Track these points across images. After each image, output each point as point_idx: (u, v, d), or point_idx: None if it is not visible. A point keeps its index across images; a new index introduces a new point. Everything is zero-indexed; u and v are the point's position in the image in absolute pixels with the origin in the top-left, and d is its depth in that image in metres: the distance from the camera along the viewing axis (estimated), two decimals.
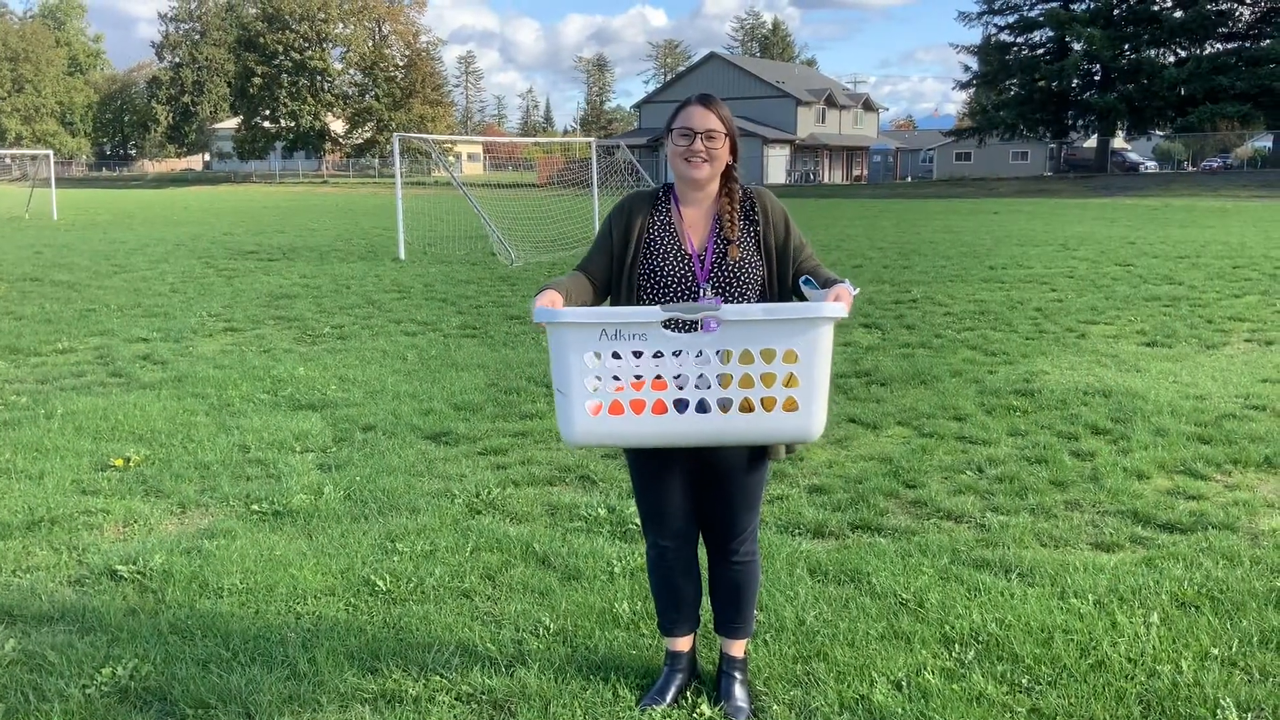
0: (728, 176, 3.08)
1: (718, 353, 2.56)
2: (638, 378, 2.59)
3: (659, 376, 2.61)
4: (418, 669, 3.40)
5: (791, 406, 2.56)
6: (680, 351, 2.60)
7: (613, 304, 3.10)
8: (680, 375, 2.64)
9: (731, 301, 2.96)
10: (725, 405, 2.62)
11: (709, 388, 2.60)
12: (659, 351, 2.58)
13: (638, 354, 2.58)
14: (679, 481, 3.11)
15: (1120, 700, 3.19)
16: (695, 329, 2.73)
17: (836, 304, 2.56)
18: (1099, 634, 3.60)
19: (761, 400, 2.58)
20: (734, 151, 3.05)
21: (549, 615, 3.78)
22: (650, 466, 3.10)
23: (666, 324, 2.68)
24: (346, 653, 3.50)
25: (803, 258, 3.08)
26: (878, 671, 3.36)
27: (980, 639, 3.57)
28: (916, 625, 3.69)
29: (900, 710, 3.13)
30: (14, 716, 3.12)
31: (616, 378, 2.60)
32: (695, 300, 2.98)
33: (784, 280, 3.07)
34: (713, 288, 3.01)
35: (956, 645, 3.53)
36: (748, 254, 3.04)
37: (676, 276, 3.01)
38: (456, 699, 3.23)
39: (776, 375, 2.54)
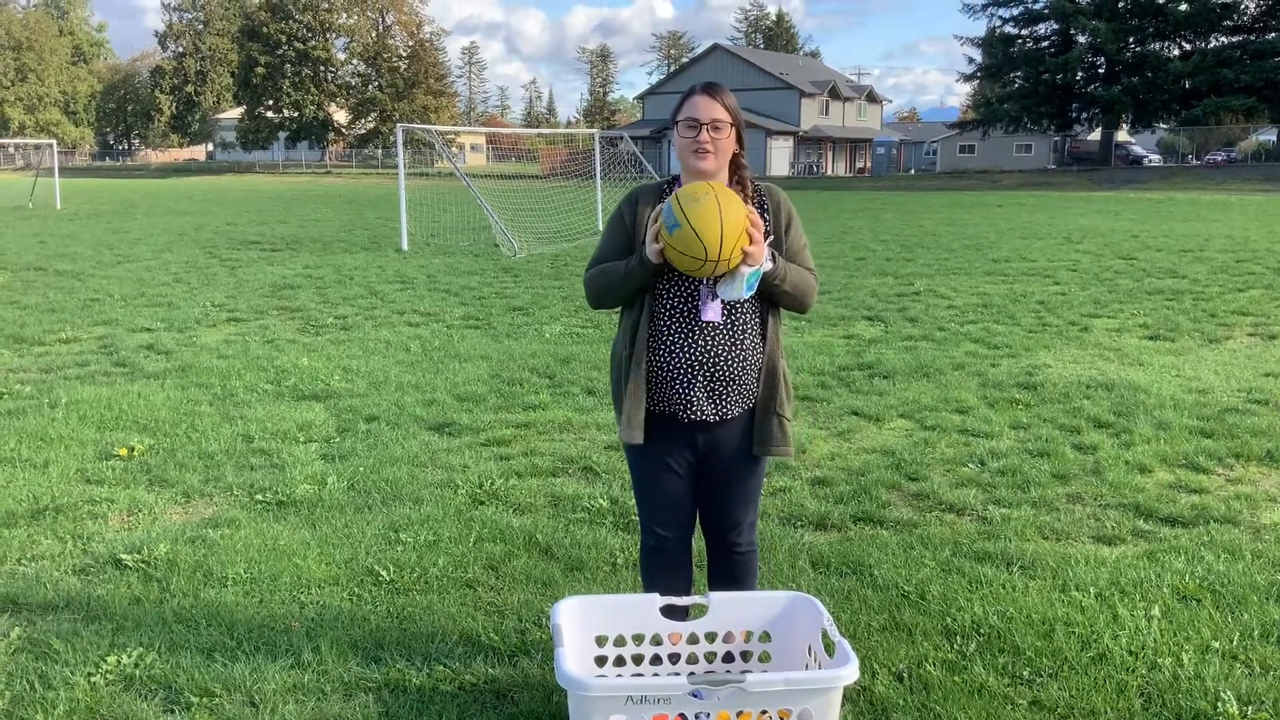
0: (736, 165, 3.05)
1: (737, 714, 2.66)
2: None
3: None
4: (421, 659, 3.41)
5: None
6: (706, 716, 2.65)
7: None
8: None
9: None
10: None
11: None
12: (682, 715, 2.65)
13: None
14: (679, 477, 3.13)
15: (1121, 693, 3.20)
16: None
17: (852, 668, 2.63)
18: (1100, 626, 3.61)
19: None
20: (740, 140, 3.02)
21: (552, 606, 3.78)
22: (651, 462, 3.11)
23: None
24: (350, 642, 3.51)
25: (793, 252, 3.06)
26: (879, 663, 3.37)
27: (982, 631, 3.59)
28: (918, 617, 3.70)
29: (902, 702, 3.14)
30: (20, 704, 3.14)
31: None
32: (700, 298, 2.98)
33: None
34: (716, 282, 3.00)
35: (958, 637, 3.55)
36: None
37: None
38: (460, 688, 3.24)
39: None
